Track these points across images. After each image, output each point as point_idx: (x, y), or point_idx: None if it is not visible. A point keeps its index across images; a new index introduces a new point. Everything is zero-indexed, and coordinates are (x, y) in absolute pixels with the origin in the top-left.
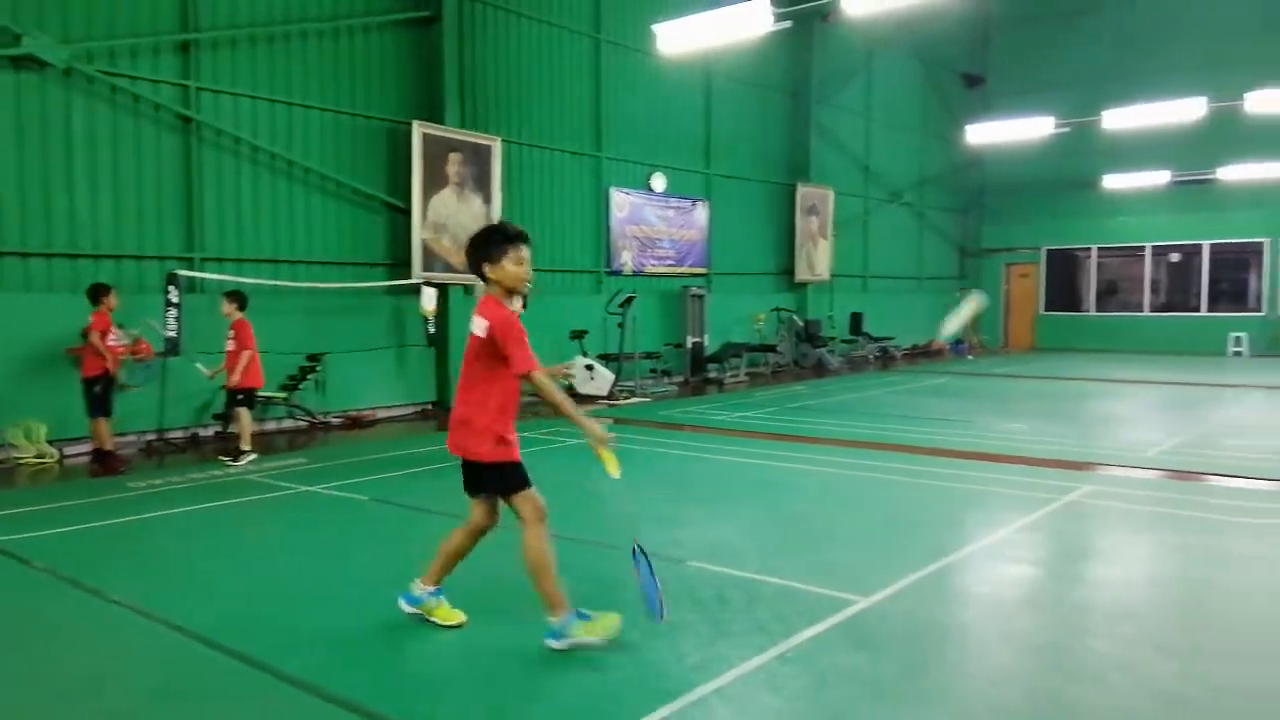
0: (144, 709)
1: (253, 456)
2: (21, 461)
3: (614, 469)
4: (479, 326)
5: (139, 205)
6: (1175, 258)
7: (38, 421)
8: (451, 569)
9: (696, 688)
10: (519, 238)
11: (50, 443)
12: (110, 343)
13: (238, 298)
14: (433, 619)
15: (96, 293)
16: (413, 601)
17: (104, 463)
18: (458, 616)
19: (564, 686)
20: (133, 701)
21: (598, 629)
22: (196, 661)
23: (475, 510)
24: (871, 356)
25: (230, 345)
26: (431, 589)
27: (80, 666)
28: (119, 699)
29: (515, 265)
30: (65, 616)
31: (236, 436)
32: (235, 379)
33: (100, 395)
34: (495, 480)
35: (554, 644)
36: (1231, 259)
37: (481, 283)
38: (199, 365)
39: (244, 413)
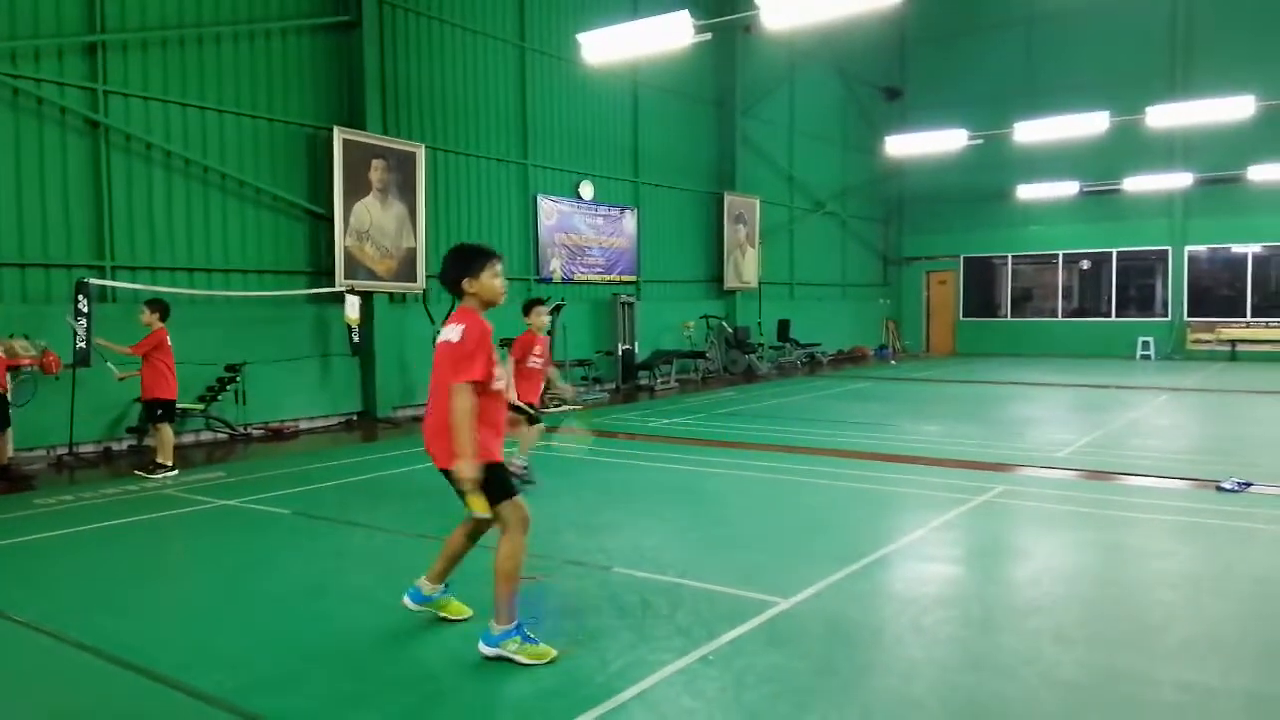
0: None
1: (173, 472)
2: None
3: (480, 508)
4: (454, 332)
5: (44, 212)
6: (1086, 265)
7: None
8: (452, 568)
9: (618, 693)
10: (496, 254)
11: None
12: None
13: (159, 306)
14: (445, 614)
15: None
16: (420, 599)
17: (4, 477)
18: (467, 611)
19: (485, 694)
20: None
21: (533, 654)
22: (104, 681)
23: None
24: (799, 362)
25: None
26: (440, 588)
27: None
28: None
29: (493, 279)
30: None
31: (153, 450)
32: (146, 390)
33: None
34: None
35: (485, 649)
36: (1138, 266)
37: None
38: (110, 365)
39: (165, 427)
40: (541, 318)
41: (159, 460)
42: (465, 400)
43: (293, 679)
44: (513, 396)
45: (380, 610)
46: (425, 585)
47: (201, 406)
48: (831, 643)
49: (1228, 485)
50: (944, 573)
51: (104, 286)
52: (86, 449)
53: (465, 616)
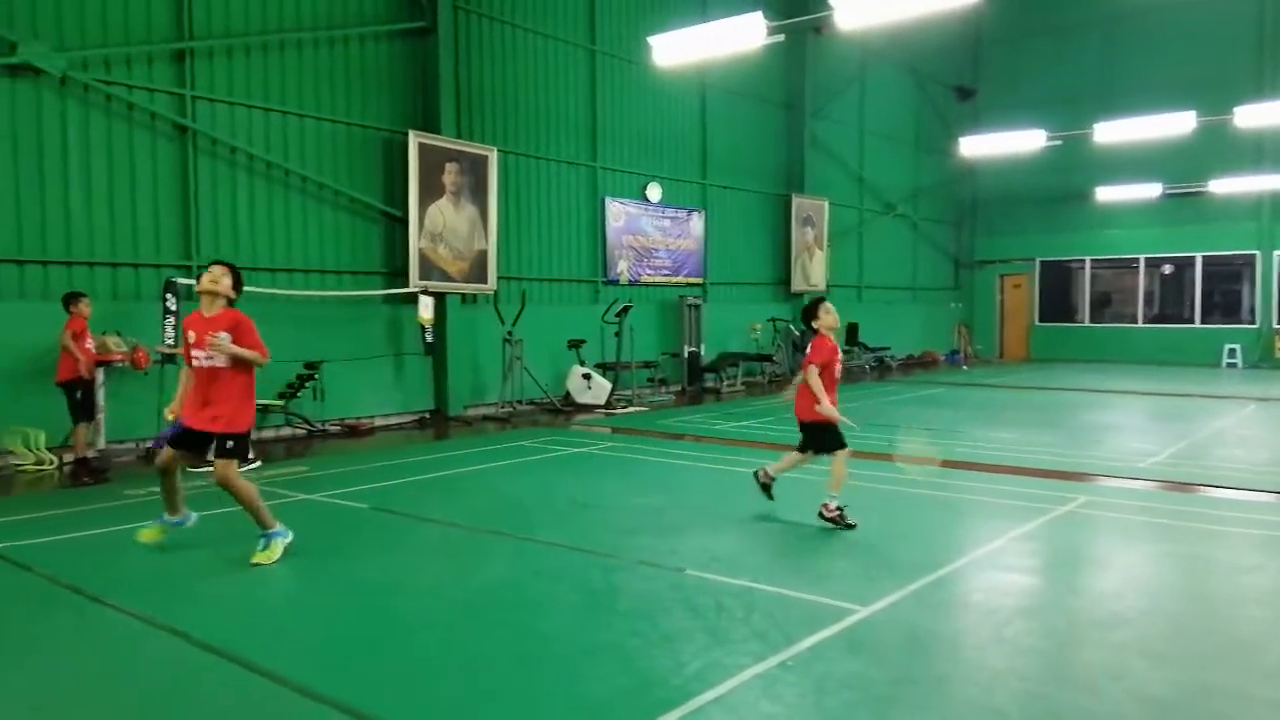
0: (139, 714)
1: (255, 464)
2: (20, 468)
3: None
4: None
5: (135, 213)
6: (1168, 269)
7: (36, 429)
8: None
9: (696, 696)
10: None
11: (49, 449)
12: (87, 346)
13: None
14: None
15: (67, 301)
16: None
17: (82, 471)
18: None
19: (561, 693)
20: (129, 707)
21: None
22: (193, 666)
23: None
24: (867, 366)
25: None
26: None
27: (78, 675)
28: (115, 705)
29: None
30: (66, 624)
31: None
32: None
33: (80, 401)
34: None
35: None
36: (1224, 271)
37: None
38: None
39: None
40: (831, 317)
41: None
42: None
43: (369, 668)
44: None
45: (451, 605)
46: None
47: (282, 403)
48: (911, 651)
49: None
50: (1024, 584)
51: (190, 286)
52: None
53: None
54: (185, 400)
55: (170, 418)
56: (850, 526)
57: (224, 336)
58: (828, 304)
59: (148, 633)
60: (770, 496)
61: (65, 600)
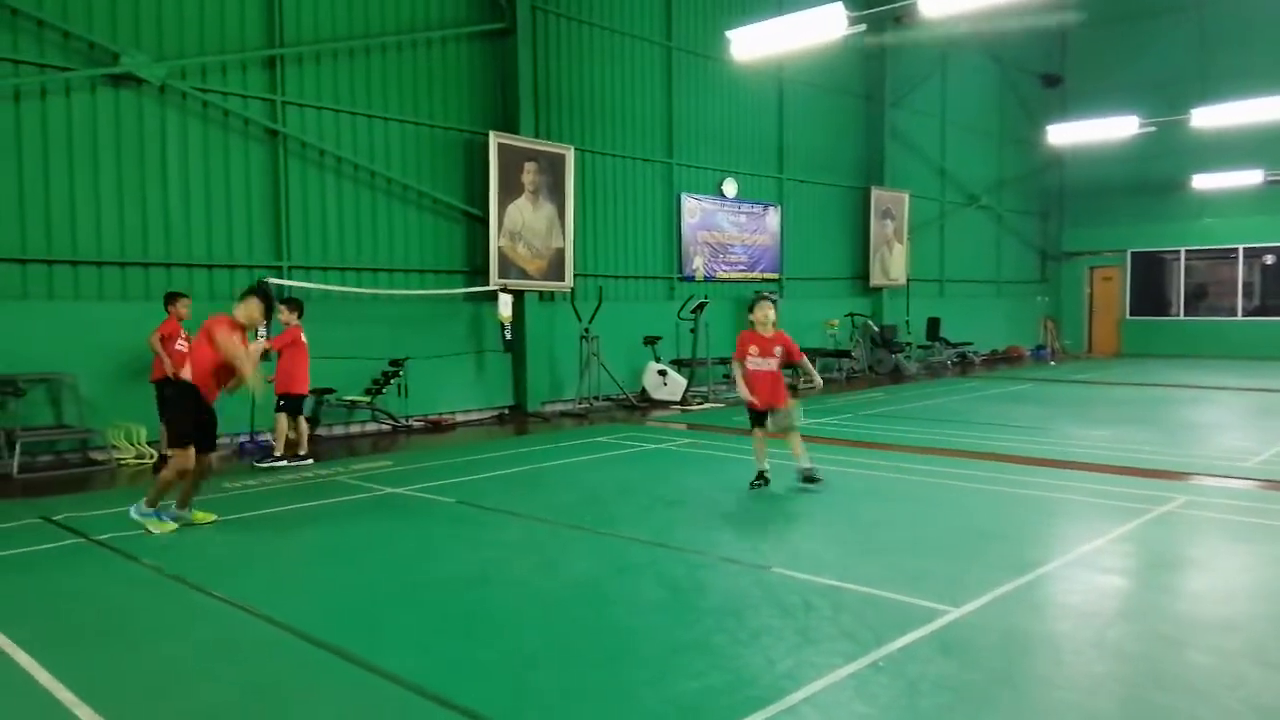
0: (239, 702)
1: (281, 462)
2: (123, 462)
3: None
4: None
5: (229, 216)
6: (1269, 260)
7: (137, 424)
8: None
9: (787, 695)
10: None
11: (149, 444)
12: (178, 349)
13: (296, 305)
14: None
15: (167, 300)
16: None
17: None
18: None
19: (651, 690)
20: (229, 695)
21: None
22: (293, 655)
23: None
24: (949, 362)
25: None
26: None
27: (182, 659)
28: (216, 692)
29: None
30: (170, 611)
31: (294, 441)
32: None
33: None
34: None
35: (134, 513)
36: None
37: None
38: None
39: (283, 417)
40: (760, 312)
41: (297, 451)
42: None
43: (462, 661)
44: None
45: (539, 599)
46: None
47: (368, 399)
48: (1007, 654)
49: None
50: (1125, 586)
51: (281, 286)
52: (266, 437)
53: None
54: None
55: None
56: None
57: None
58: (764, 301)
59: (248, 622)
60: (766, 482)
61: (170, 589)
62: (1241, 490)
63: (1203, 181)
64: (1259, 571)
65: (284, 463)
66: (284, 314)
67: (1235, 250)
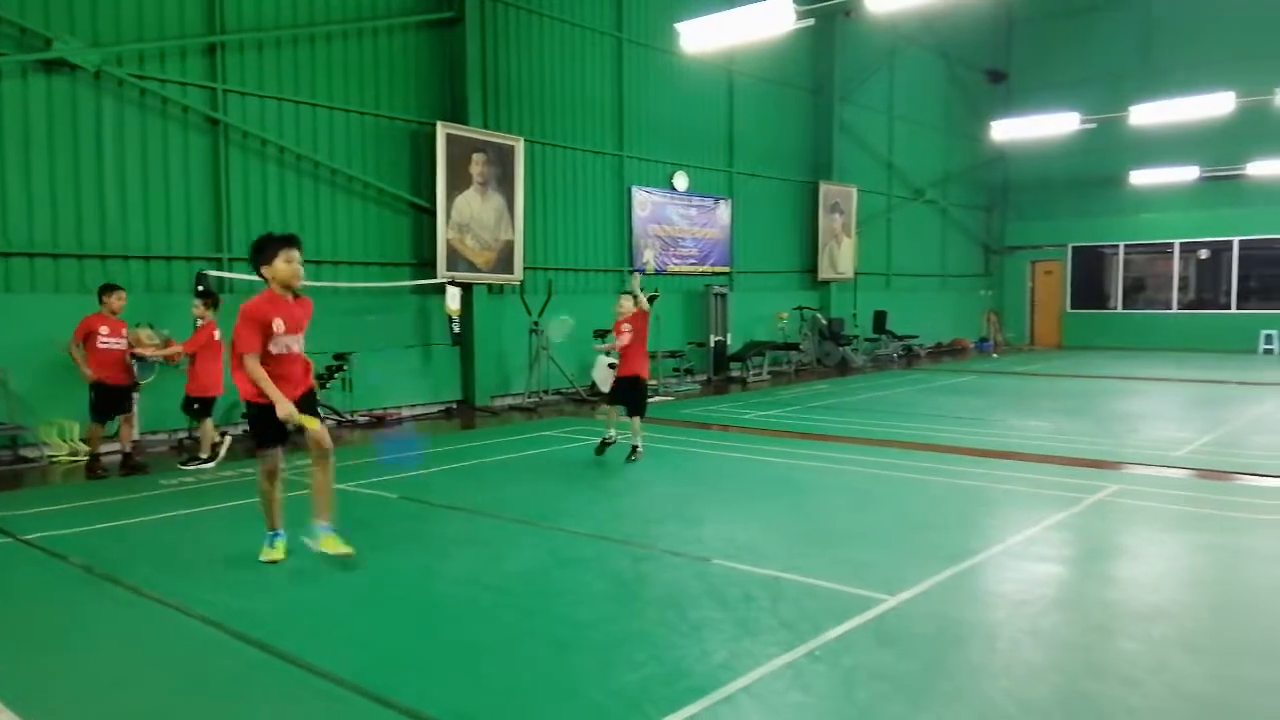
0: (171, 702)
1: (210, 464)
2: (55, 460)
3: (312, 425)
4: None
5: (168, 206)
6: (1204, 254)
7: (70, 420)
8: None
9: (724, 685)
10: (290, 242)
11: (82, 441)
12: (101, 345)
13: (213, 298)
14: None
15: (101, 293)
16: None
17: (127, 464)
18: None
19: (590, 683)
20: (161, 695)
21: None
22: (227, 654)
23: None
24: (895, 355)
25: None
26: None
27: (113, 661)
28: (148, 692)
29: (285, 264)
30: (101, 611)
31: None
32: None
33: (93, 400)
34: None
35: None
36: (1262, 255)
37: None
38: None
39: (209, 422)
40: (619, 306)
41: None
42: (247, 363)
43: (404, 655)
44: None
45: (484, 593)
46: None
47: None
48: (943, 643)
49: None
50: (1059, 574)
51: (221, 278)
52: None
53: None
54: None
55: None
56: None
57: None
58: (623, 295)
59: (182, 621)
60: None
61: (101, 589)
62: (1173, 479)
63: (1141, 177)
64: (1187, 559)
65: (210, 465)
66: (198, 309)
67: (1171, 245)
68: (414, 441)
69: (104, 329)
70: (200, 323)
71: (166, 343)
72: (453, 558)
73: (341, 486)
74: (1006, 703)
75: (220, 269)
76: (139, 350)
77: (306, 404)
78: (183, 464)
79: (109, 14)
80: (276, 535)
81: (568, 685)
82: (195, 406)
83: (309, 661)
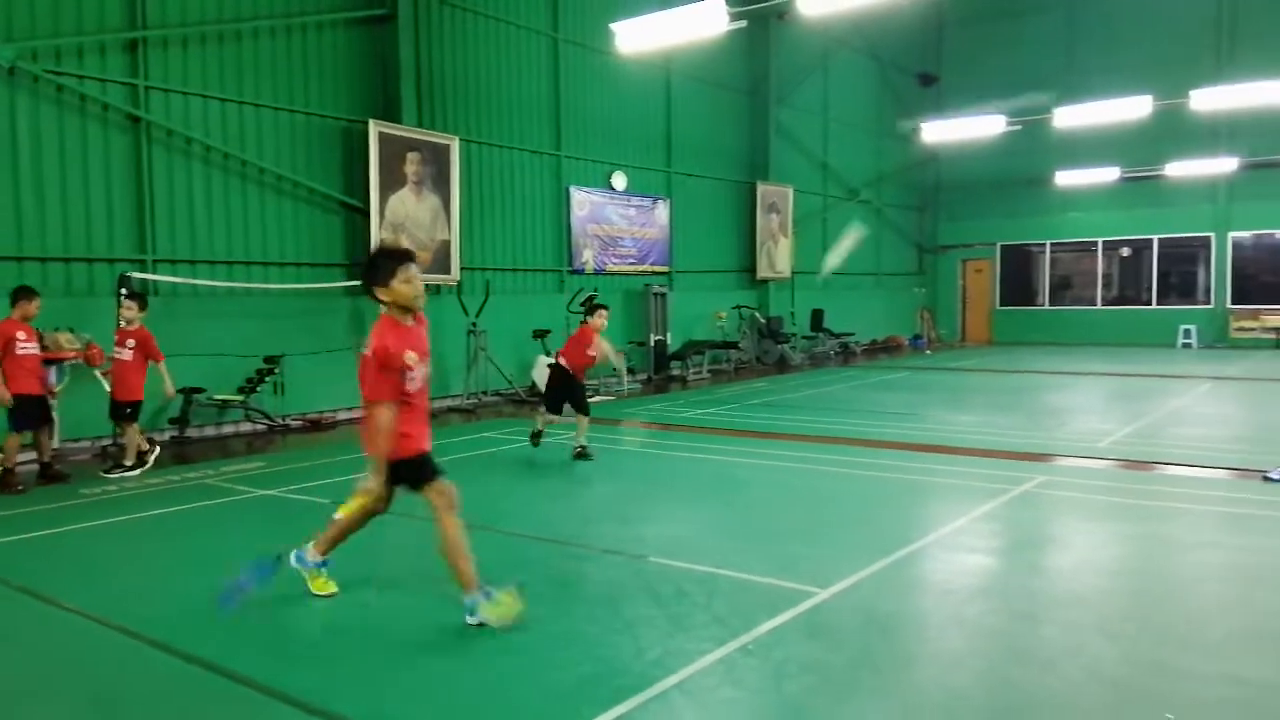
0: (85, 713)
1: (136, 471)
2: None
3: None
4: (368, 347)
5: (88, 207)
6: (1126, 252)
7: None
8: (338, 543)
9: (657, 682)
10: (406, 257)
11: None
12: (20, 351)
13: (139, 298)
14: (309, 587)
15: (17, 296)
16: (301, 562)
17: (45, 474)
18: (331, 587)
19: (521, 683)
20: (71, 711)
21: (496, 612)
22: (145, 664)
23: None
24: (832, 352)
25: (123, 354)
26: (319, 559)
27: (27, 673)
28: (58, 709)
29: (404, 284)
30: (15, 624)
31: (121, 448)
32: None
33: (15, 406)
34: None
35: (470, 619)
36: (1180, 253)
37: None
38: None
39: (135, 427)
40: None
41: (124, 461)
42: (379, 412)
43: (332, 661)
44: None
45: (416, 597)
46: (310, 552)
47: (241, 398)
48: (871, 634)
49: (1275, 475)
50: (984, 564)
51: (145, 280)
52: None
53: (328, 594)
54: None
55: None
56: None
57: None
58: (601, 311)
59: (100, 633)
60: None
61: (15, 600)
62: (1096, 470)
63: (1065, 178)
64: (1107, 547)
65: (136, 472)
66: (130, 310)
67: (1095, 243)
68: None
69: (21, 334)
70: (130, 325)
71: (110, 345)
72: (385, 562)
73: (271, 492)
74: (931, 689)
75: (144, 270)
76: (61, 354)
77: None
78: (106, 471)
79: (24, 8)
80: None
81: (497, 686)
82: (127, 411)
83: (234, 670)
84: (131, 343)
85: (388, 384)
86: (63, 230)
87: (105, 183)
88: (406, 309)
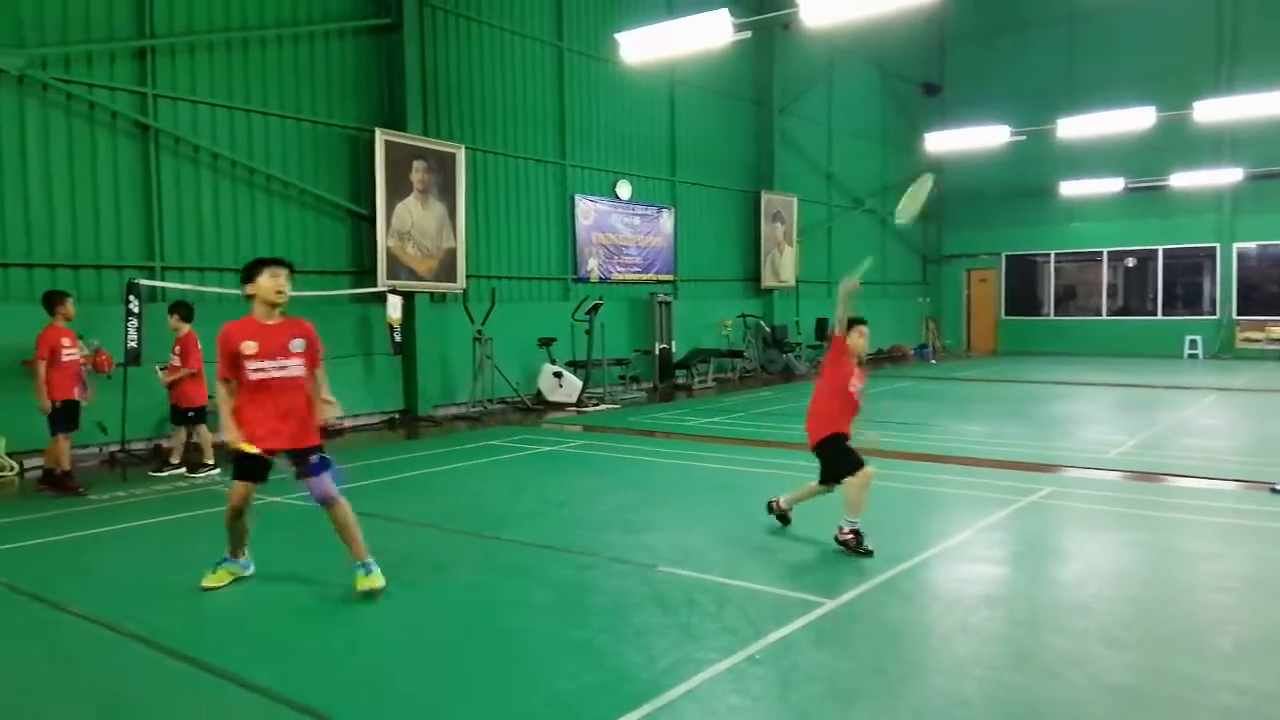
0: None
1: (216, 471)
2: None
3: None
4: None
5: (96, 214)
6: (1131, 263)
7: None
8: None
9: (666, 690)
10: (275, 262)
11: (9, 455)
12: (65, 358)
13: (183, 309)
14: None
15: (51, 301)
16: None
17: (55, 483)
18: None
19: (532, 691)
20: (85, 712)
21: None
22: (155, 670)
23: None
24: None
25: (175, 360)
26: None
27: (37, 680)
28: (71, 712)
29: (269, 279)
30: (26, 630)
31: (196, 449)
32: (175, 396)
33: (60, 411)
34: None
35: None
36: (1185, 263)
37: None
38: (158, 368)
39: (204, 428)
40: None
41: (204, 460)
42: (219, 391)
43: (339, 670)
44: None
45: (423, 605)
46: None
47: None
48: (878, 642)
49: None
50: (991, 574)
51: (154, 287)
52: (137, 446)
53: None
54: (249, 421)
55: (245, 448)
56: (867, 554)
57: (298, 344)
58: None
59: (110, 638)
60: (786, 523)
61: (25, 607)
62: (1103, 480)
63: (1070, 188)
64: (1114, 557)
65: (217, 470)
66: (172, 320)
67: (1100, 253)
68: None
69: (66, 340)
70: (179, 334)
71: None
72: (393, 570)
73: (278, 499)
74: (936, 699)
75: (152, 278)
76: (172, 376)
77: (297, 438)
78: (154, 471)
79: (33, 15)
80: (230, 562)
81: (503, 694)
82: (189, 415)
83: (238, 674)
84: (178, 349)
85: (218, 364)
86: (72, 237)
87: (114, 190)
88: (270, 305)
